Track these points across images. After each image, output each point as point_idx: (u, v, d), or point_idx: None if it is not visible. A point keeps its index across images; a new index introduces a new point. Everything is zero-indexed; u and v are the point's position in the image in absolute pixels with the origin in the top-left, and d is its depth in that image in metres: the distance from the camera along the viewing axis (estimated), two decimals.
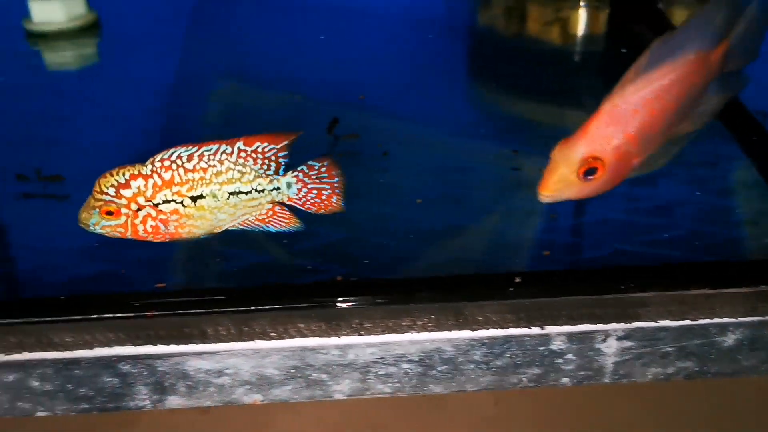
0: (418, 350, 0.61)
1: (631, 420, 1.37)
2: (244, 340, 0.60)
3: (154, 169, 0.57)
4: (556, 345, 0.62)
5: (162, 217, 0.58)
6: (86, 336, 0.58)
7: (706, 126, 0.58)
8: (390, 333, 0.60)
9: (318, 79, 0.95)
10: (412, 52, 1.04)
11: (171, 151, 0.57)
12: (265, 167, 0.59)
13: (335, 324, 0.59)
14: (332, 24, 1.11)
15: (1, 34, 1.12)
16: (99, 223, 0.57)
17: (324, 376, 0.62)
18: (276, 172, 0.59)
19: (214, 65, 1.00)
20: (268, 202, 0.60)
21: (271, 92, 0.92)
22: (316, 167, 0.60)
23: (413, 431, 1.39)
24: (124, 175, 0.56)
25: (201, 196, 0.58)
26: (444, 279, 0.60)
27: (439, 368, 0.62)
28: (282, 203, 0.60)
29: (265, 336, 0.59)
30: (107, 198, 0.56)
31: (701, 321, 0.61)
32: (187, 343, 0.59)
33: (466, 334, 0.61)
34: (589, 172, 0.55)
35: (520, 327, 0.60)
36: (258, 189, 0.59)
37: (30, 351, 0.59)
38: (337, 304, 0.59)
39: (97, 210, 0.57)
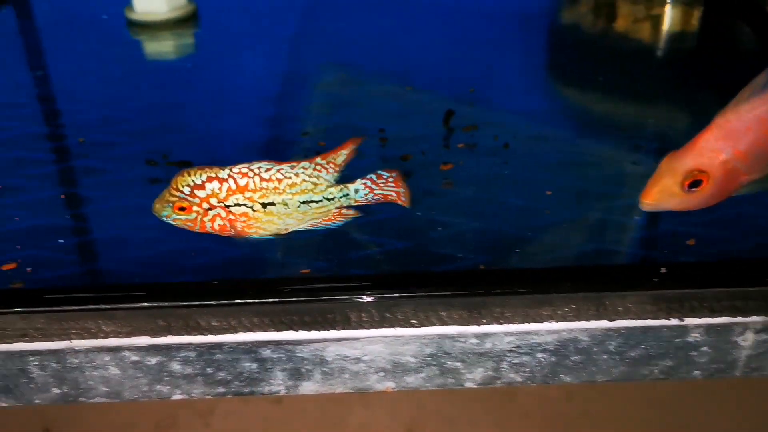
0: (555, 339, 0.61)
1: (708, 419, 1.37)
2: (385, 327, 0.60)
3: (231, 174, 0.60)
4: (693, 337, 0.62)
5: (231, 217, 0.60)
6: (232, 321, 0.59)
7: None
8: (529, 322, 0.61)
9: (427, 72, 0.97)
10: (518, 48, 1.05)
11: (253, 163, 0.60)
12: (333, 173, 0.62)
13: (476, 312, 0.60)
14: (440, 19, 1.13)
15: (105, 23, 1.15)
16: (171, 216, 0.61)
17: (458, 364, 0.63)
18: (344, 163, 0.63)
19: (324, 57, 1.02)
20: (336, 207, 0.63)
21: (379, 84, 0.93)
22: (384, 177, 0.63)
23: (486, 424, 1.40)
24: (201, 176, 0.59)
25: (272, 204, 0.61)
26: (587, 269, 0.60)
27: (572, 358, 0.63)
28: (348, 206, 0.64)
29: (406, 323, 0.60)
30: (181, 195, 0.59)
31: None
32: (328, 329, 0.60)
33: (604, 324, 0.61)
34: (694, 184, 0.56)
35: (659, 318, 0.60)
36: (328, 197, 0.62)
37: (176, 334, 0.60)
38: (480, 292, 0.59)
39: (171, 204, 0.60)
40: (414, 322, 0.60)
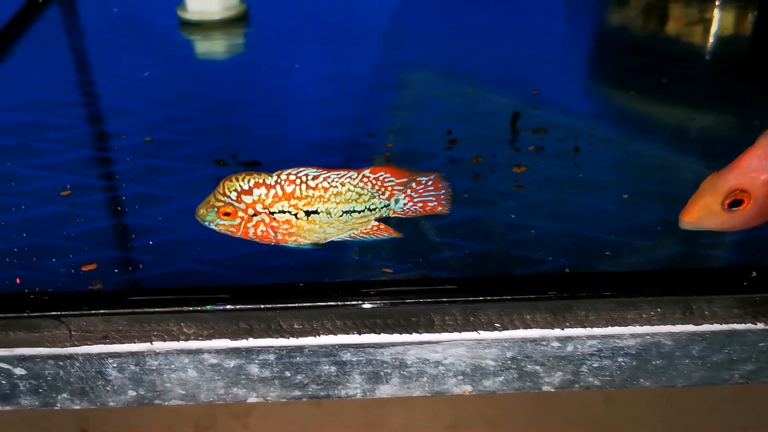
0: (638, 343, 0.61)
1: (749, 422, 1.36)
2: (468, 330, 0.60)
3: (279, 180, 0.59)
4: None
5: (274, 224, 0.60)
6: (314, 323, 0.59)
7: None
8: (613, 326, 0.60)
9: (496, 75, 0.97)
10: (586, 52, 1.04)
11: (300, 169, 0.60)
12: (380, 192, 0.61)
13: (561, 316, 0.59)
14: (522, 22, 1.13)
15: (158, 23, 1.15)
16: (215, 221, 0.60)
17: (538, 368, 0.62)
18: (388, 199, 0.62)
19: (378, 58, 1.02)
20: (376, 219, 0.62)
21: (445, 85, 0.93)
22: (424, 182, 0.63)
23: (525, 428, 1.39)
24: (248, 182, 0.59)
25: (315, 212, 0.60)
26: (676, 272, 0.60)
27: (654, 362, 0.62)
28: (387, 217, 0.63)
29: (489, 326, 0.59)
30: (228, 201, 0.59)
31: None
32: (411, 333, 0.60)
33: (689, 328, 0.60)
34: (735, 203, 0.56)
35: (745, 322, 0.60)
36: (371, 208, 0.62)
37: (256, 337, 0.60)
38: (566, 295, 0.58)
39: (216, 209, 0.59)
40: (497, 325, 0.59)
